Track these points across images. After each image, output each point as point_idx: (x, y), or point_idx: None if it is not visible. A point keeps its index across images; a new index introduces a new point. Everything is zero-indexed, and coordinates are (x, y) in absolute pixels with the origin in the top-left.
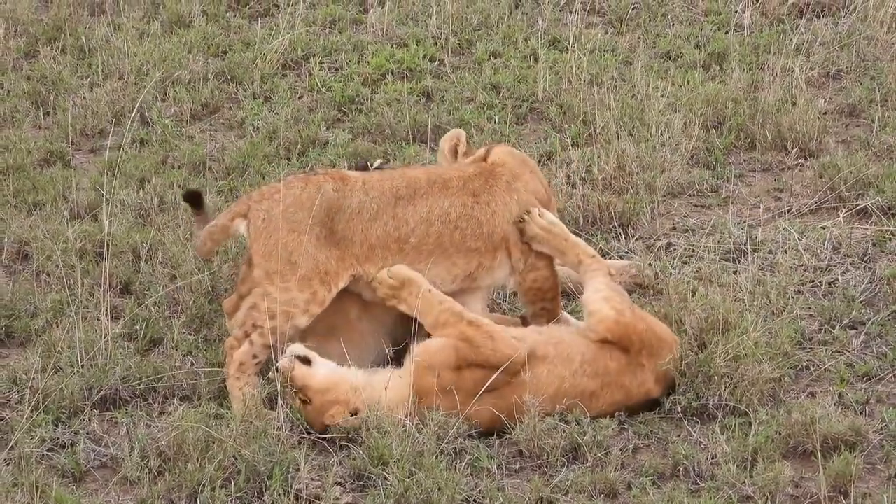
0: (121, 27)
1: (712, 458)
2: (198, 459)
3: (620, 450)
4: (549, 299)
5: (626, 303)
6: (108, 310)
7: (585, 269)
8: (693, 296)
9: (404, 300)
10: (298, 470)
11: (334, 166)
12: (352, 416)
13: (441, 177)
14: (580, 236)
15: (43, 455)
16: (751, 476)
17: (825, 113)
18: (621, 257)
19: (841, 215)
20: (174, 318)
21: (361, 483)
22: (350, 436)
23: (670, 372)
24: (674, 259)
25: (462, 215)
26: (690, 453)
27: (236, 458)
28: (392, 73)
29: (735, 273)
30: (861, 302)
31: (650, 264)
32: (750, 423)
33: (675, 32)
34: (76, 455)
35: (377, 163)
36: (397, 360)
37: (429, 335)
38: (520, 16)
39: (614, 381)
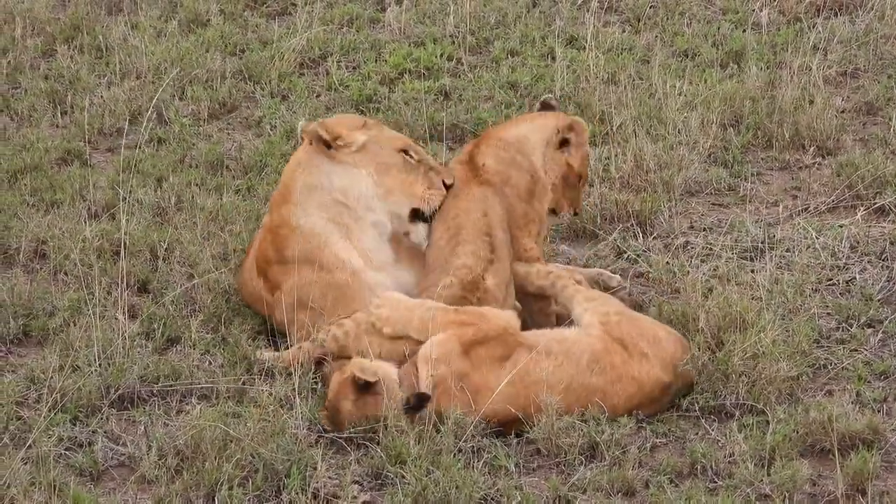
0: (138, 26)
1: (730, 457)
2: (215, 458)
3: (638, 448)
4: None
5: (610, 304)
6: (126, 308)
7: (556, 291)
8: (710, 294)
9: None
10: (316, 469)
11: None
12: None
13: None
14: (597, 235)
15: (60, 454)
16: (768, 474)
17: (843, 111)
18: (638, 256)
19: (858, 214)
20: (192, 316)
21: (379, 482)
22: (367, 434)
23: (677, 360)
24: (691, 257)
25: None
26: (708, 452)
27: (254, 457)
28: (409, 72)
29: (752, 271)
30: (878, 300)
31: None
32: (767, 422)
33: (692, 31)
34: (94, 454)
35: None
36: None
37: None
38: (537, 14)
39: (623, 374)
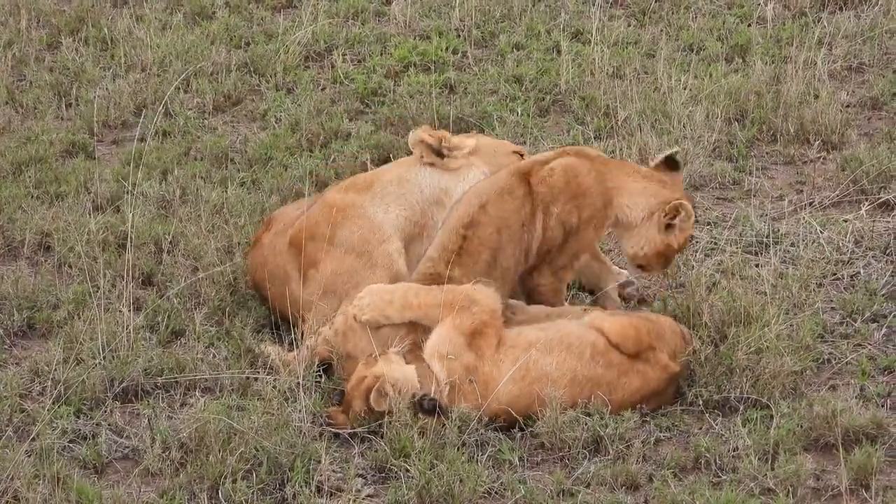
0: (143, 18)
1: (734, 451)
2: (219, 451)
3: (642, 442)
4: None
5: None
6: (130, 301)
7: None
8: (715, 288)
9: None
10: (320, 462)
11: (356, 159)
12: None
13: None
14: None
15: (64, 447)
16: (772, 469)
17: (847, 106)
18: None
19: (863, 208)
20: (196, 309)
21: (383, 475)
22: (371, 427)
23: (679, 349)
24: (696, 251)
25: None
26: (712, 446)
27: (258, 450)
28: (415, 66)
29: (757, 266)
30: (883, 295)
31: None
32: (771, 416)
33: (697, 25)
34: (97, 447)
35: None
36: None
37: None
38: (542, 8)
39: (629, 368)
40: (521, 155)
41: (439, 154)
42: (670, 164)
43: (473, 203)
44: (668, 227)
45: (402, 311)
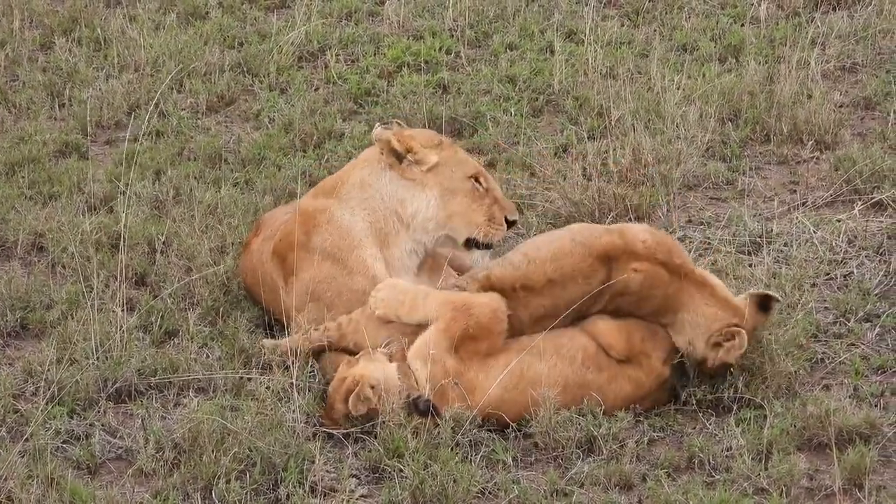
0: (136, 19)
1: (727, 451)
2: (213, 451)
3: (635, 442)
4: None
5: None
6: (124, 302)
7: None
8: None
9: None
10: (314, 462)
11: (350, 159)
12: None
13: None
14: None
15: (58, 447)
16: (766, 468)
17: (841, 106)
18: None
19: (856, 208)
20: (189, 310)
21: (376, 475)
22: (365, 428)
23: (672, 352)
24: (689, 251)
25: None
26: (705, 446)
27: (251, 451)
28: (408, 66)
29: (750, 266)
30: (876, 295)
31: None
32: (765, 416)
33: (691, 25)
34: (91, 447)
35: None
36: None
37: None
38: (536, 8)
39: (619, 372)
40: (478, 179)
41: (399, 158)
42: (762, 304)
43: (541, 267)
44: (716, 345)
45: (411, 313)
